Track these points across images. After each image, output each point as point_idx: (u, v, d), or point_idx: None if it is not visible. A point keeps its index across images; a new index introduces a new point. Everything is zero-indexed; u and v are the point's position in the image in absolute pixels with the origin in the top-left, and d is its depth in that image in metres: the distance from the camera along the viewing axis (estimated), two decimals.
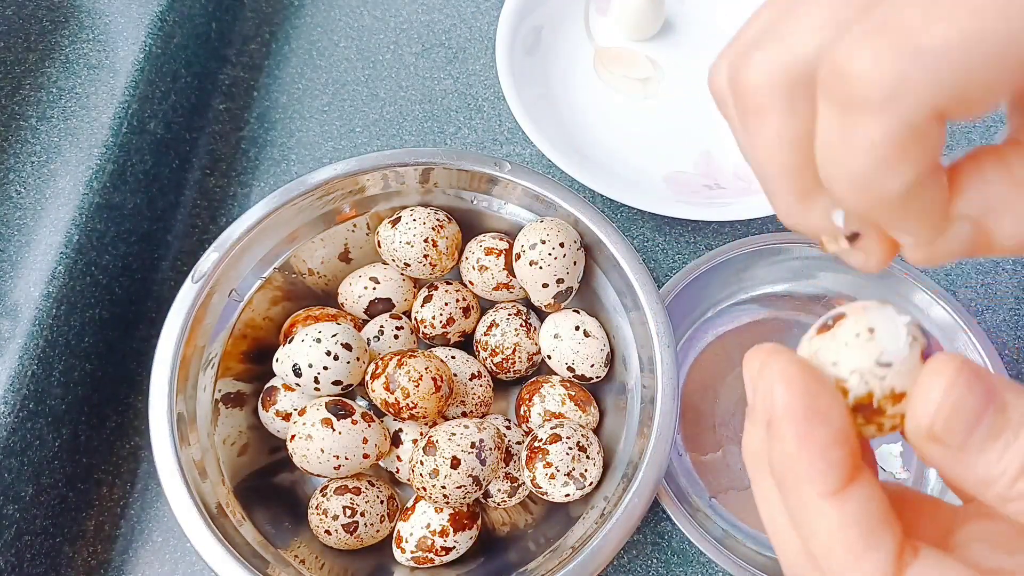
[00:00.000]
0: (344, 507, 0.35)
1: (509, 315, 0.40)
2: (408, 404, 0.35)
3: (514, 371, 0.40)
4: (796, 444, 0.15)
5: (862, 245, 0.18)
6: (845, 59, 0.14)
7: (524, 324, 0.40)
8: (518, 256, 0.38)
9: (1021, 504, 0.14)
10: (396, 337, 0.39)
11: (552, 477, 0.35)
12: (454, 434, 0.34)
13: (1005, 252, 0.16)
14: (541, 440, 0.36)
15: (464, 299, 0.41)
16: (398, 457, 0.37)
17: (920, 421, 0.15)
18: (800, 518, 0.16)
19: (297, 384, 0.36)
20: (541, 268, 0.38)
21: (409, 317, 0.41)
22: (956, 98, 0.13)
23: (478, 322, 0.41)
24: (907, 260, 0.18)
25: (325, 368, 0.35)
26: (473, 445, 0.34)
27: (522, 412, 0.39)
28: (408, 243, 0.39)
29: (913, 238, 0.16)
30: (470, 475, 0.34)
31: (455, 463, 0.33)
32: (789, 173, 0.17)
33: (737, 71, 0.17)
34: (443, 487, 0.34)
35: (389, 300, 0.40)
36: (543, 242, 0.37)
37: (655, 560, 0.40)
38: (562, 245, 0.37)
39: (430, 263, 0.39)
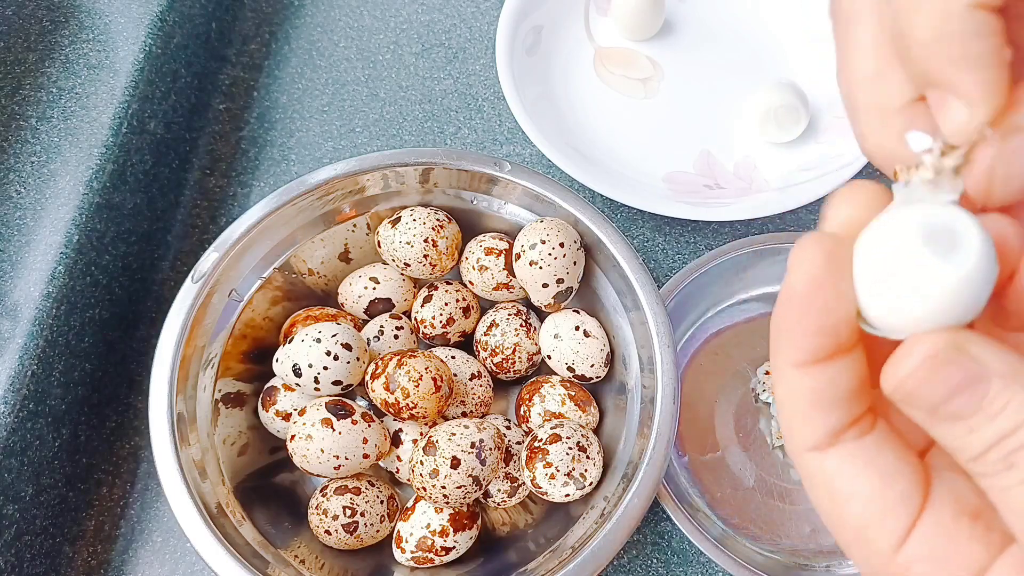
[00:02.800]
0: (344, 507, 0.35)
1: (509, 315, 0.40)
2: (408, 404, 0.35)
3: (514, 371, 0.40)
4: (786, 309, 0.16)
5: (944, 159, 0.17)
6: None
7: (524, 324, 0.40)
8: (518, 256, 0.38)
9: (976, 476, 0.15)
10: (396, 337, 0.39)
11: (552, 477, 0.35)
12: (454, 434, 0.34)
13: None
14: (541, 440, 0.36)
15: (464, 299, 0.41)
16: (398, 457, 0.37)
17: (887, 386, 0.16)
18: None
19: (297, 384, 0.36)
20: (541, 268, 0.38)
21: (409, 317, 0.41)
22: None
23: (478, 322, 0.41)
24: (977, 167, 0.17)
25: (325, 368, 0.35)
26: (473, 445, 0.34)
27: (522, 412, 0.39)
28: (408, 243, 0.39)
29: (969, 101, 0.16)
30: (470, 475, 0.34)
31: (455, 463, 0.33)
32: (872, 82, 0.18)
33: None
34: (443, 487, 0.34)
35: (389, 300, 0.40)
36: (543, 242, 0.37)
37: (655, 560, 0.40)
38: (562, 245, 0.37)
39: (430, 263, 0.39)
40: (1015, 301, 0.17)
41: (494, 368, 0.40)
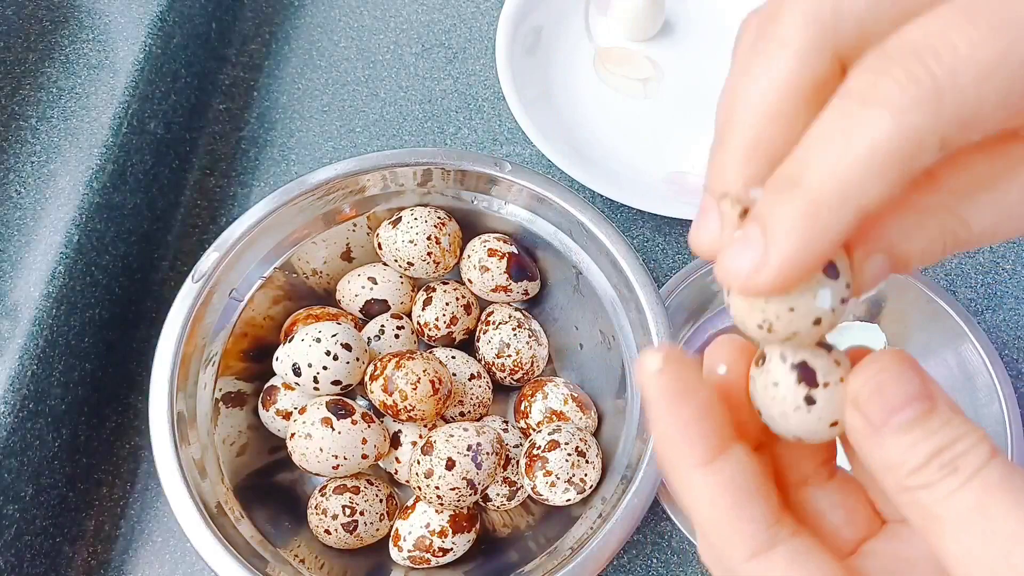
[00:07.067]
0: (343, 506, 0.35)
1: (512, 323, 0.40)
2: (406, 406, 0.35)
3: (514, 379, 0.40)
4: (665, 421, 0.16)
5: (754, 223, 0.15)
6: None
7: (531, 335, 0.40)
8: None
9: (911, 496, 0.15)
10: (396, 337, 0.39)
11: (553, 485, 0.35)
12: (452, 435, 0.34)
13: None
14: (540, 447, 0.36)
15: (463, 296, 0.41)
16: (397, 459, 0.37)
17: (851, 389, 0.16)
18: (683, 495, 0.17)
19: (297, 383, 0.36)
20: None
21: (410, 319, 0.41)
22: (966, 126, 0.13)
23: (479, 320, 0.41)
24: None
25: (324, 368, 0.35)
26: (469, 448, 0.34)
27: (523, 408, 0.39)
28: (411, 241, 0.39)
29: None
30: (464, 477, 0.34)
31: (450, 464, 0.33)
32: (769, 121, 0.15)
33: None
34: (436, 487, 0.34)
35: (385, 302, 0.40)
36: None
37: (655, 560, 0.40)
38: None
39: (434, 260, 0.39)
40: None
41: (495, 373, 0.40)
